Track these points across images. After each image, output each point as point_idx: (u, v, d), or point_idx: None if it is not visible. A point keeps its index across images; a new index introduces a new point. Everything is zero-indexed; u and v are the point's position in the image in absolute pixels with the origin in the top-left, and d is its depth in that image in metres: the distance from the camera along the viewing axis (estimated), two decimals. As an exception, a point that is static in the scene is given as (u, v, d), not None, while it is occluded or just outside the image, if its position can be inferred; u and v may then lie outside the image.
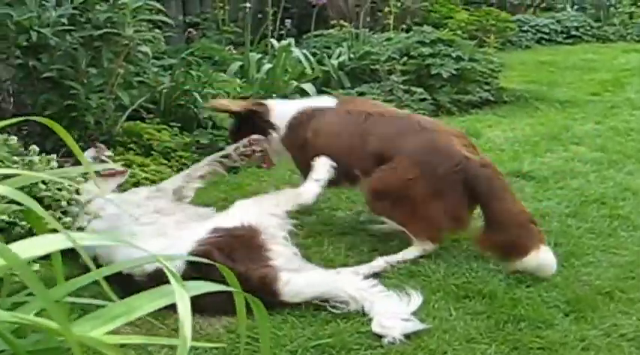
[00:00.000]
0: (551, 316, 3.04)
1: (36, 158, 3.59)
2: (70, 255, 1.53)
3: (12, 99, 4.97)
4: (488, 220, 3.47)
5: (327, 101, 4.12)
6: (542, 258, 3.32)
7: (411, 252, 3.57)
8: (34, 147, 3.72)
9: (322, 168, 3.56)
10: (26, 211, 1.22)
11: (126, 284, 2.58)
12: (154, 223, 3.32)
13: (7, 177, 1.63)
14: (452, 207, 3.51)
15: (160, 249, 2.91)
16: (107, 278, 1.57)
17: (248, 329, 2.27)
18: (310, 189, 3.50)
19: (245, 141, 3.83)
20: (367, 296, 3.04)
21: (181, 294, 1.29)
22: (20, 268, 1.11)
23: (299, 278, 3.06)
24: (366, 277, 3.21)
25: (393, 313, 2.95)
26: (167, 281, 1.35)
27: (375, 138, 3.68)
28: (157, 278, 2.17)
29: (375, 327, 2.90)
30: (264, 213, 3.26)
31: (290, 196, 3.44)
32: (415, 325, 2.91)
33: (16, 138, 3.78)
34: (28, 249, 1.24)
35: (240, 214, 3.23)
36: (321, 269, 3.24)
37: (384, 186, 3.56)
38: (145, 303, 1.39)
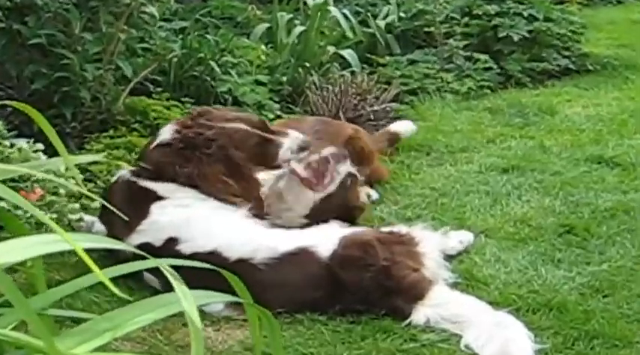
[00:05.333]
0: (631, 332, 2.91)
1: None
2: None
3: (-7, 70, 4.91)
4: None
5: None
6: None
7: None
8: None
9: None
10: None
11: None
12: None
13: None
14: None
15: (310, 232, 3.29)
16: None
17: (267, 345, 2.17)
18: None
19: None
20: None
21: (190, 307, 1.22)
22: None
23: (449, 293, 3.14)
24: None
25: None
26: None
27: None
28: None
29: None
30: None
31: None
32: None
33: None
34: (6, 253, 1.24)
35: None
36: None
37: None
38: (135, 317, 1.38)
